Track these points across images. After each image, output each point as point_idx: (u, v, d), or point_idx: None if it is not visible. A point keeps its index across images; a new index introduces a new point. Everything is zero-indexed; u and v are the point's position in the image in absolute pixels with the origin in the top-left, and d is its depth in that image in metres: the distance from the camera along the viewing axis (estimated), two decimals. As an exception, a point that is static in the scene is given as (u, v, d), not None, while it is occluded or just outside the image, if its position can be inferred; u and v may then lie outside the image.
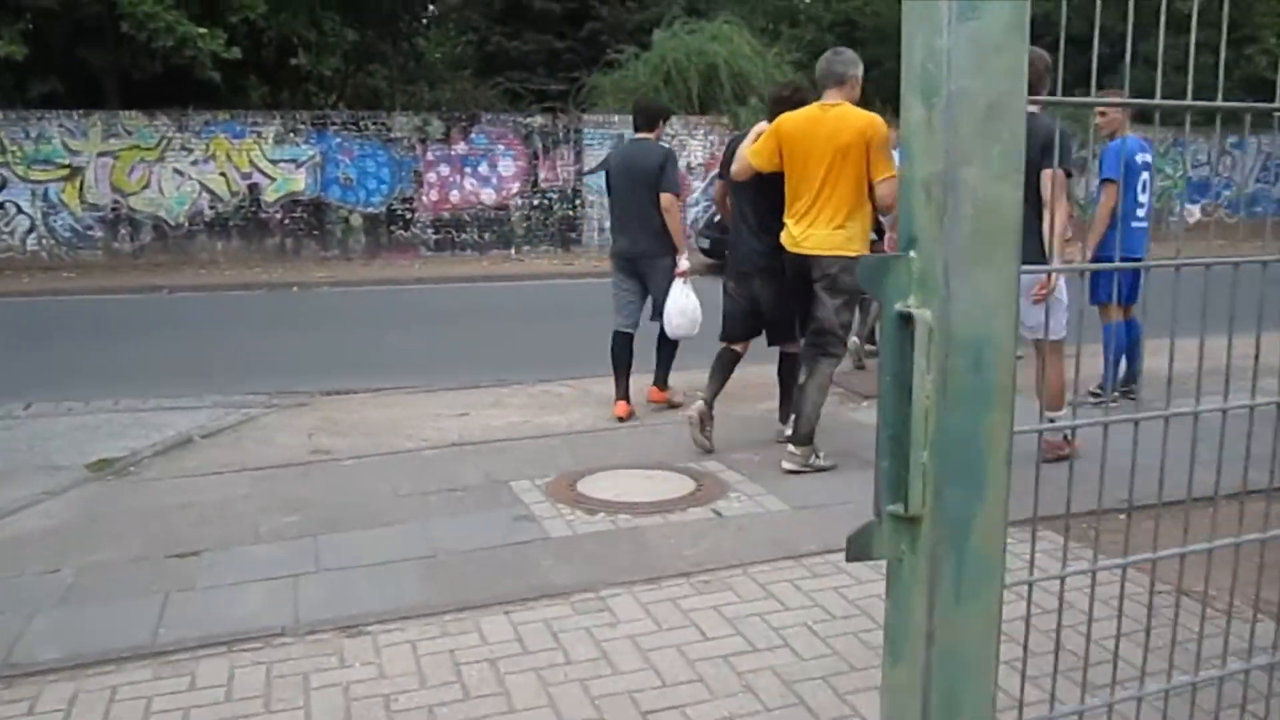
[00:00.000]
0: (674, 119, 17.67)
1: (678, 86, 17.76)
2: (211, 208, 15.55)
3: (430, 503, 4.33)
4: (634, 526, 3.97)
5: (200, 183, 15.46)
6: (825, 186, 4.62)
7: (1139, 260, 5.08)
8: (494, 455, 5.10)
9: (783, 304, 5.09)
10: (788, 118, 4.79)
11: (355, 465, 4.99)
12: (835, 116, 4.61)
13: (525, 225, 17.03)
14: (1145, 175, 5.95)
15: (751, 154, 4.90)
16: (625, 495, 4.35)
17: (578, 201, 17.24)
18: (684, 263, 6.00)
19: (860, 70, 4.81)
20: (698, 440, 5.01)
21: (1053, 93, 4.32)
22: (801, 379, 4.85)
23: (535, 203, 17.05)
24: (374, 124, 16.25)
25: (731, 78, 17.73)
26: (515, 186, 16.93)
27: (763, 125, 5.09)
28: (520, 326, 9.88)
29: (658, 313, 6.03)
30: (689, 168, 17.73)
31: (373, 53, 19.11)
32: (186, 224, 15.50)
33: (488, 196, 16.78)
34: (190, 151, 15.37)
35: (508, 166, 16.86)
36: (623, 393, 6.09)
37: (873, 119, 4.62)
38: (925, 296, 1.05)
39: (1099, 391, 6.20)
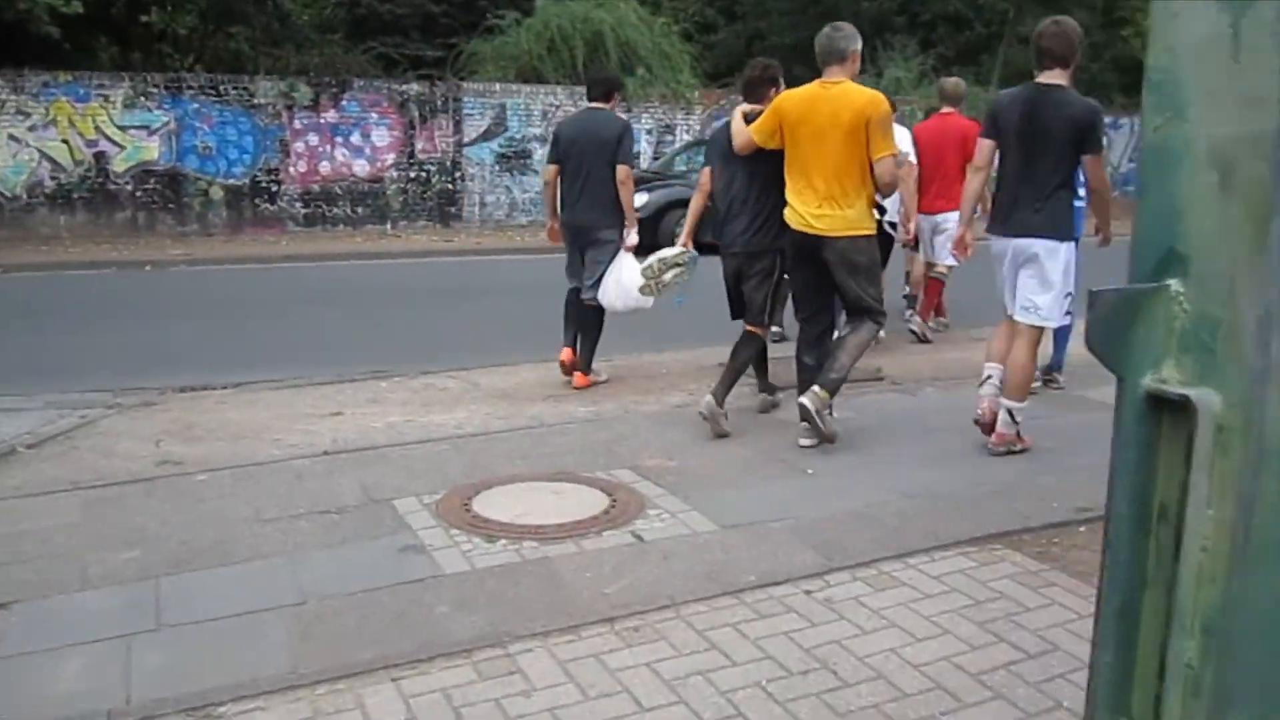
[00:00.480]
0: (559, 90, 17.06)
1: (562, 55, 17.09)
2: (53, 178, 14.10)
3: (300, 530, 3.68)
4: (542, 557, 3.41)
5: (40, 150, 13.98)
6: (831, 166, 4.61)
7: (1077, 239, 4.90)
8: (373, 465, 4.45)
9: (759, 285, 5.14)
10: (788, 96, 4.78)
11: (210, 481, 4.27)
12: (838, 94, 4.57)
13: (402, 199, 16.11)
14: None
15: (755, 130, 4.87)
16: (529, 515, 3.77)
17: (458, 174, 16.40)
18: (633, 237, 6.01)
19: (860, 45, 4.75)
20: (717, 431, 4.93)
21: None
22: (846, 332, 4.93)
23: (412, 175, 16.13)
24: (235, 89, 15.05)
25: (618, 46, 17.15)
26: (390, 158, 15.97)
27: (744, 106, 5.17)
28: (398, 310, 9.15)
29: (594, 284, 5.96)
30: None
31: (233, 12, 17.78)
32: (24, 196, 14.01)
33: (361, 168, 15.78)
34: (27, 116, 13.89)
35: (382, 136, 15.88)
36: (570, 340, 6.15)
37: (875, 96, 4.61)
38: (1207, 367, 0.56)
39: (1047, 376, 5.98)
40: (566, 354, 6.12)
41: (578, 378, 6.14)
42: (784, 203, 4.87)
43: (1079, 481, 4.23)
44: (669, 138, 18.59)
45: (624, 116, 6.45)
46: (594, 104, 6.22)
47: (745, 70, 5.60)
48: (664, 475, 4.27)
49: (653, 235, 10.49)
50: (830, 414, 4.70)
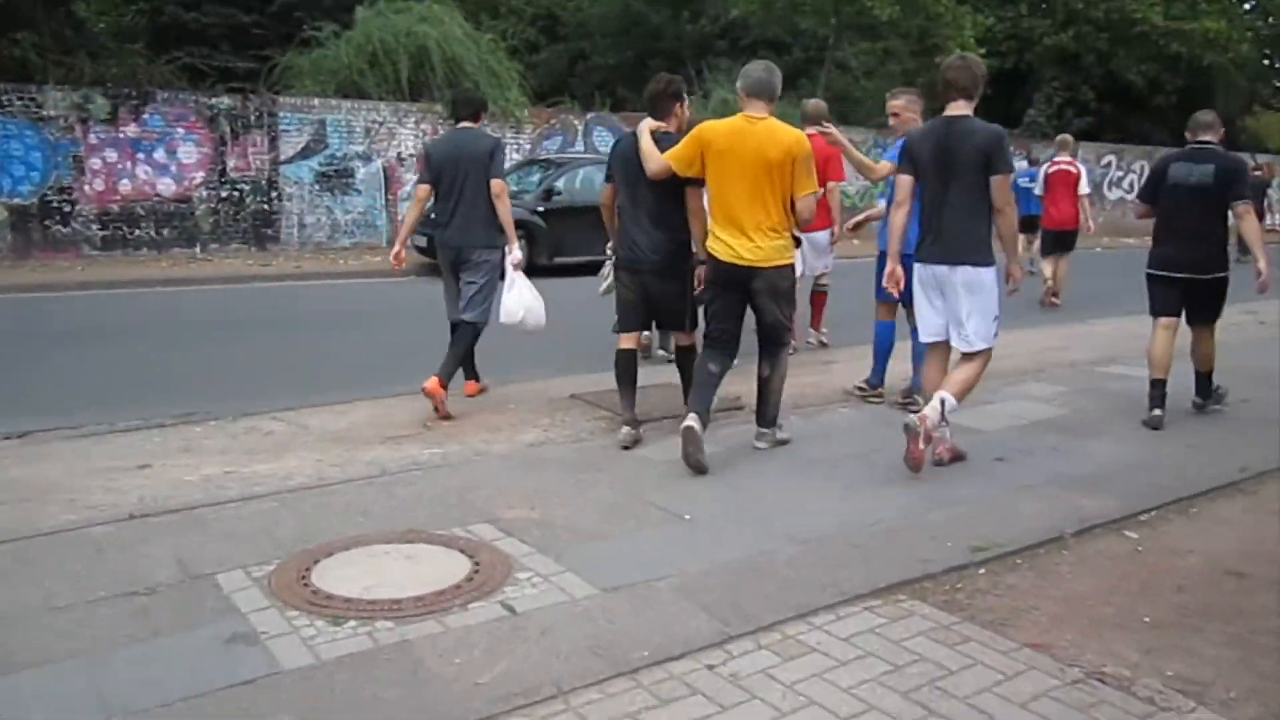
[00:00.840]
0: (382, 106, 16.34)
1: (385, 69, 16.43)
2: None
3: (101, 620, 3.05)
4: (401, 641, 2.91)
5: None
6: (758, 200, 4.79)
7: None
8: (189, 531, 3.82)
9: (676, 296, 5.29)
10: (710, 127, 4.90)
11: (-14, 559, 3.59)
12: (763, 131, 4.74)
13: (212, 220, 15.05)
14: None
15: (672, 158, 4.93)
16: (380, 587, 3.26)
17: (274, 194, 15.46)
18: (518, 253, 6.07)
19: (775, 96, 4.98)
20: (694, 461, 4.72)
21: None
22: (766, 372, 5.15)
23: (224, 195, 15.11)
24: (20, 99, 13.70)
25: (444, 62, 16.61)
26: (199, 176, 14.91)
27: (649, 122, 5.17)
28: (212, 343, 8.32)
29: (469, 306, 6.04)
30: (399, 158, 16.41)
31: (18, 17, 16.28)
32: None
33: (166, 187, 14.66)
34: None
35: (190, 153, 14.81)
36: (470, 373, 6.35)
37: (800, 136, 4.86)
38: None
39: (906, 398, 6.03)
40: (470, 387, 6.35)
41: (468, 385, 6.35)
42: (685, 217, 5.16)
43: (965, 516, 4.09)
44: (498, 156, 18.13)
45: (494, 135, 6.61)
46: (463, 123, 6.27)
47: (650, 84, 5.52)
48: (528, 529, 3.84)
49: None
50: (780, 429, 5.24)
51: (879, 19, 20.43)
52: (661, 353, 7.26)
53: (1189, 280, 5.89)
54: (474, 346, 6.19)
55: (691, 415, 4.78)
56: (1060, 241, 11.44)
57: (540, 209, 13.48)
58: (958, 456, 4.90)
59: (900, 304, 5.77)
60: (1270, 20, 30.50)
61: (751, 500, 4.27)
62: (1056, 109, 25.35)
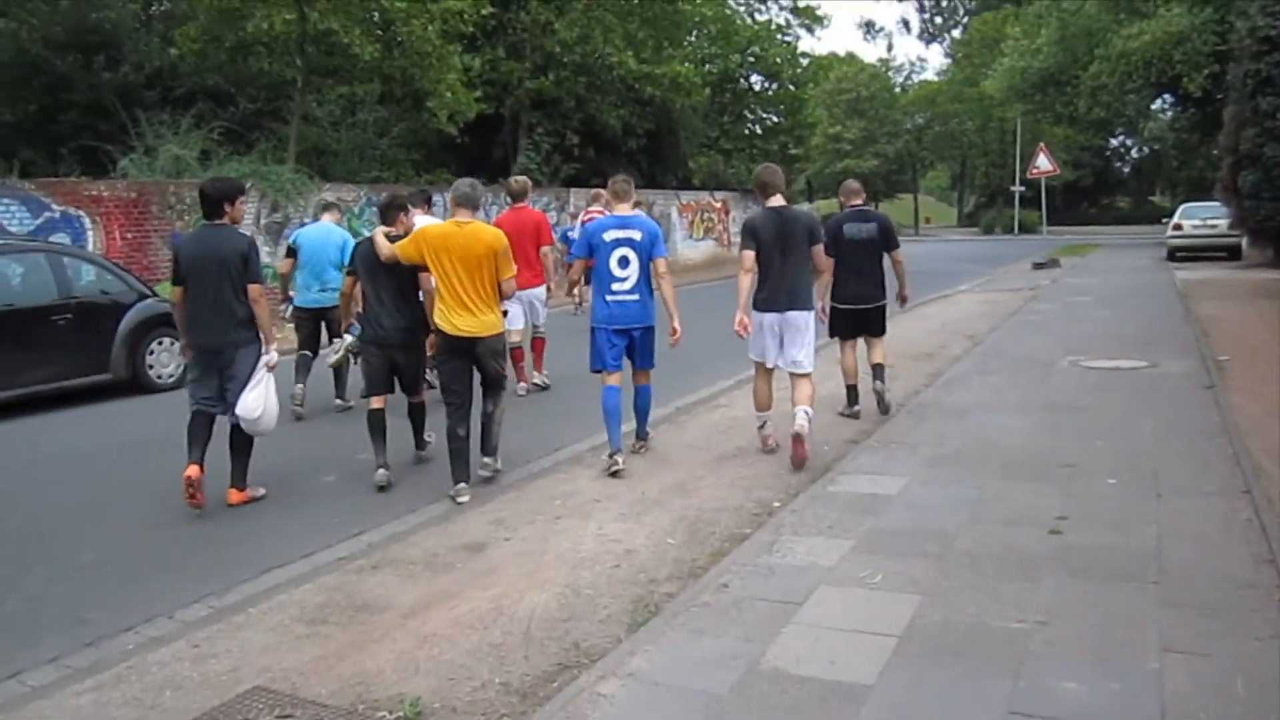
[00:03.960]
0: None
1: None
2: None
3: None
4: None
5: None
6: (470, 287, 6.22)
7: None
8: None
9: (415, 364, 6.90)
10: (428, 231, 6.33)
11: None
12: (469, 232, 6.21)
13: None
14: (619, 251, 6.83)
15: (399, 250, 6.36)
16: None
17: None
18: (274, 355, 6.44)
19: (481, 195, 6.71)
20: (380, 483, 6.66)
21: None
22: (489, 408, 6.61)
23: None
24: None
25: None
26: None
27: (381, 230, 6.79)
28: None
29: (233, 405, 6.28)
30: None
31: None
32: None
33: None
34: None
35: None
36: (197, 457, 6.24)
37: (497, 233, 6.37)
38: None
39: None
40: (194, 470, 6.17)
41: (232, 494, 6.41)
42: (419, 302, 6.71)
43: None
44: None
45: (245, 233, 6.84)
46: (213, 221, 6.31)
47: (382, 199, 7.39)
48: None
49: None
50: (497, 461, 6.78)
51: (357, 60, 18.28)
52: (339, 402, 9.33)
53: (866, 310, 8.16)
54: (250, 445, 6.50)
55: (461, 486, 6.33)
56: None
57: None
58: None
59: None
60: (708, 67, 33.02)
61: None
62: (545, 155, 24.91)
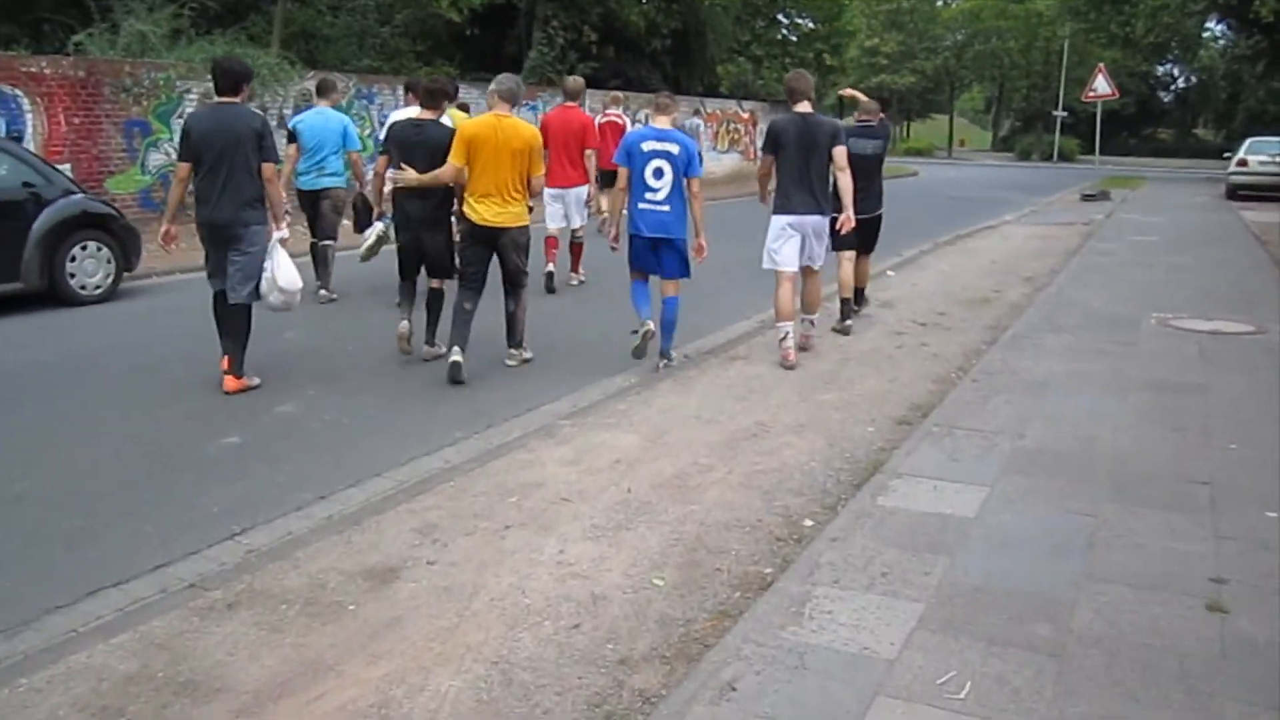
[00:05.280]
0: None
1: None
2: None
3: None
4: None
5: None
6: (503, 178, 6.45)
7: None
8: None
9: (440, 246, 6.94)
10: (469, 125, 6.59)
11: None
12: (508, 126, 6.43)
13: None
14: (655, 162, 6.78)
15: (455, 159, 6.45)
16: None
17: None
18: (285, 230, 6.33)
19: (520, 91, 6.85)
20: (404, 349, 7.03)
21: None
22: (511, 307, 6.93)
23: None
24: None
25: None
26: None
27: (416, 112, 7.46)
28: None
29: (234, 286, 6.21)
30: None
31: None
32: None
33: None
34: None
35: None
36: (236, 367, 6.30)
37: (533, 130, 6.62)
38: None
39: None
40: (229, 361, 6.29)
41: (229, 381, 6.27)
42: (448, 185, 6.71)
43: None
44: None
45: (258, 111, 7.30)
46: (223, 99, 6.15)
47: (425, 83, 7.59)
48: None
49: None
50: (526, 350, 7.11)
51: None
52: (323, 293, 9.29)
53: (865, 219, 7.85)
54: (249, 330, 6.35)
55: (455, 349, 6.54)
56: (611, 179, 9.99)
57: None
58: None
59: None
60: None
61: None
62: (560, 52, 22.83)
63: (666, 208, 6.76)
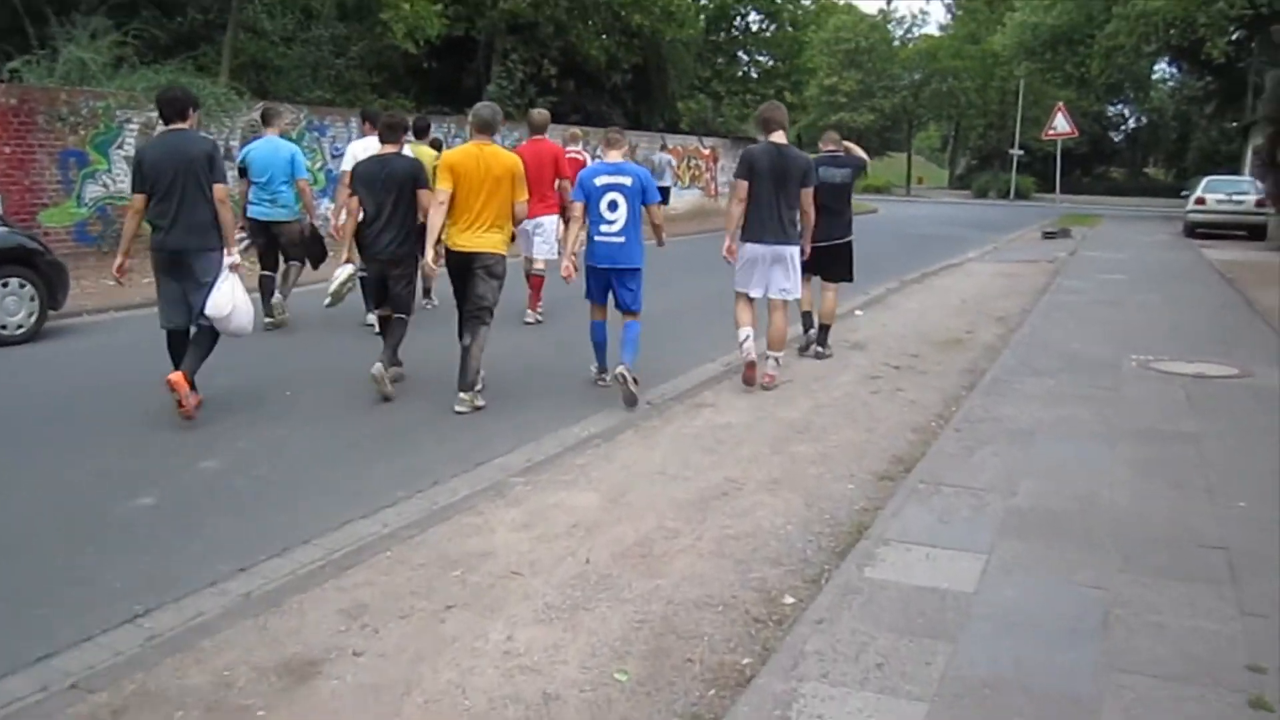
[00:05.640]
0: None
1: None
2: None
3: None
4: None
5: None
6: (484, 205, 6.45)
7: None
8: None
9: (403, 280, 7.00)
10: (452, 154, 6.62)
11: None
12: (489, 154, 6.47)
13: None
14: (609, 195, 6.93)
15: (441, 188, 6.44)
16: None
17: None
18: (236, 255, 6.35)
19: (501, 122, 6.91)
20: (384, 393, 6.74)
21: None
22: (467, 342, 6.59)
23: None
24: None
25: None
26: None
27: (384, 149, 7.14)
28: None
29: (204, 310, 6.20)
30: None
31: None
32: None
33: None
34: None
35: None
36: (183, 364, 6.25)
37: (514, 158, 6.63)
38: None
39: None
40: (179, 377, 6.12)
41: (176, 377, 6.09)
42: (416, 223, 6.90)
43: None
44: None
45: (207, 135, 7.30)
46: (173, 126, 6.18)
47: (384, 118, 7.44)
48: None
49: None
50: (479, 396, 6.68)
51: None
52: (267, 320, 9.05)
53: (833, 246, 8.21)
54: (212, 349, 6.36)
55: (461, 396, 6.61)
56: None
57: None
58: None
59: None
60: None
61: None
62: (519, 85, 22.47)
63: (621, 239, 6.95)
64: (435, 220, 6.44)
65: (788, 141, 7.21)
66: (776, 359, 7.35)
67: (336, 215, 7.39)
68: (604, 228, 6.94)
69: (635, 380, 6.74)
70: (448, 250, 6.57)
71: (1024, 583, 3.88)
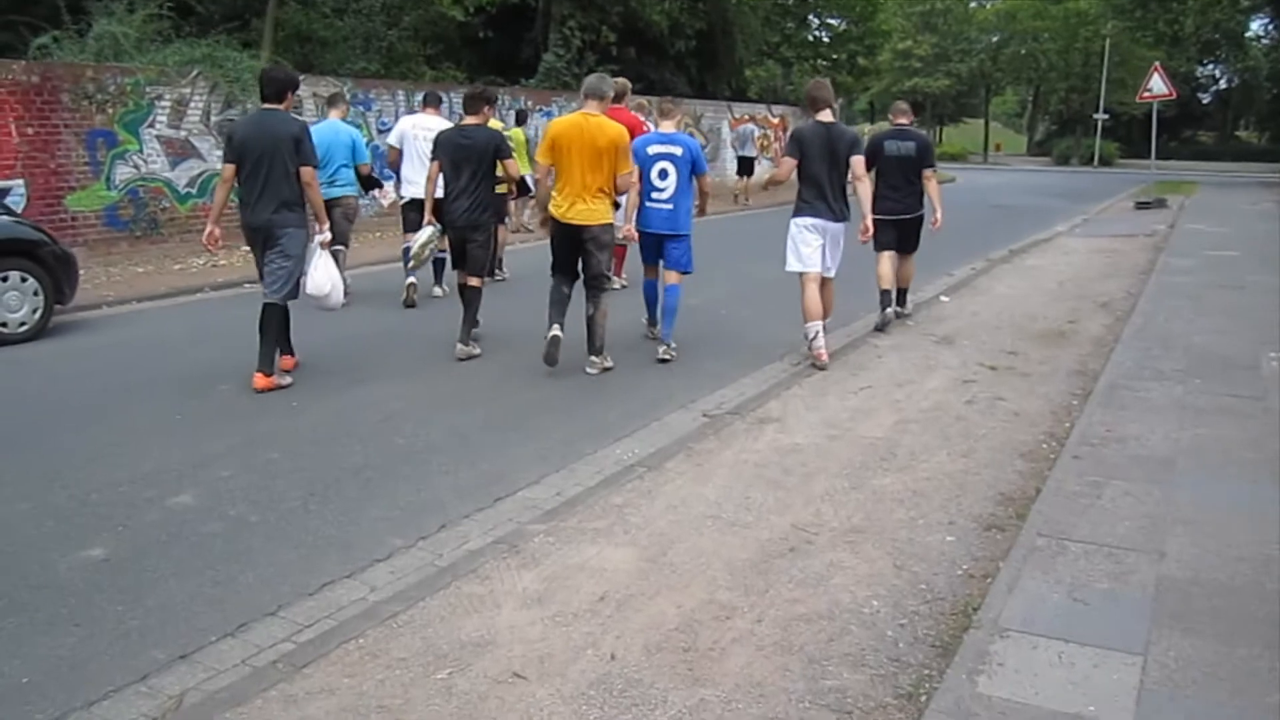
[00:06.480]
0: None
1: None
2: None
3: None
4: None
5: None
6: (588, 176, 6.54)
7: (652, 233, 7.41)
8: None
9: (480, 247, 7.33)
10: (556, 124, 6.69)
11: None
12: (595, 125, 6.52)
13: None
14: (660, 164, 7.27)
15: (541, 159, 6.66)
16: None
17: None
18: (326, 233, 6.64)
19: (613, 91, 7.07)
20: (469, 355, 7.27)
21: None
22: (591, 311, 6.87)
23: None
24: None
25: None
26: None
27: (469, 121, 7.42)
28: None
29: (272, 287, 6.39)
30: None
31: None
32: None
33: None
34: None
35: None
36: (265, 365, 6.38)
37: (620, 129, 6.61)
38: None
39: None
40: (287, 361, 6.71)
41: (259, 379, 6.31)
42: (494, 190, 7.41)
43: None
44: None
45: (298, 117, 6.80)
46: (268, 105, 6.44)
47: (468, 91, 7.91)
48: None
49: None
50: (608, 359, 6.95)
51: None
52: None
53: (902, 220, 8.42)
54: (287, 326, 6.58)
55: (554, 327, 6.76)
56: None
57: None
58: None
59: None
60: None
61: None
62: (577, 53, 21.47)
63: (670, 206, 7.30)
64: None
65: (835, 119, 7.29)
66: (824, 326, 7.27)
67: (429, 188, 7.48)
68: (655, 194, 7.30)
69: (673, 350, 7.28)
70: (553, 221, 6.75)
71: (1201, 707, 2.84)
